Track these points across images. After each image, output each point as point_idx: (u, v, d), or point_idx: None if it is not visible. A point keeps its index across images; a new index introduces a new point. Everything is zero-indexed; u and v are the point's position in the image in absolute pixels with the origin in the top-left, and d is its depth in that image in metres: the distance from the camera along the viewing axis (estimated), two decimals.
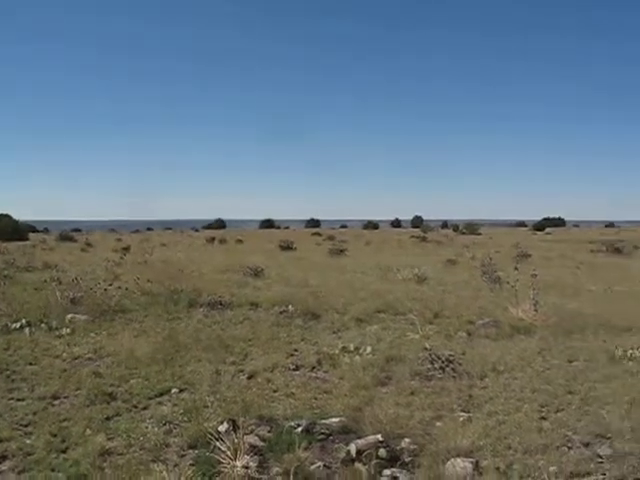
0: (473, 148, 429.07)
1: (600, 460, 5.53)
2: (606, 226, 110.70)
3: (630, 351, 9.01)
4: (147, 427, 6.51)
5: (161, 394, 7.70)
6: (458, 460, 5.25)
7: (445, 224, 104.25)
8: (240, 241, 49.66)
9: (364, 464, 5.27)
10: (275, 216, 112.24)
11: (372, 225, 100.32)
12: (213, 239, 50.57)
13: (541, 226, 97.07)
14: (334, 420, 6.37)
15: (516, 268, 14.26)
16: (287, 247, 36.02)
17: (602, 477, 5.24)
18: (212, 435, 5.72)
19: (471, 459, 5.30)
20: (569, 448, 5.81)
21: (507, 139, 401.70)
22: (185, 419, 6.68)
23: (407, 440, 5.81)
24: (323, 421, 6.34)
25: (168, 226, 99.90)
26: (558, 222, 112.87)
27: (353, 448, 5.48)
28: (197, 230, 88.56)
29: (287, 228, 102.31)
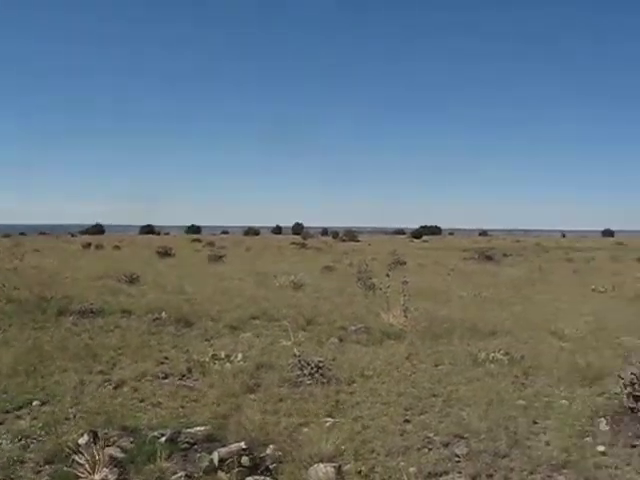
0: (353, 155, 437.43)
1: (457, 459, 5.73)
2: (480, 234, 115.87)
3: (492, 354, 9.41)
4: (1, 443, 6.12)
5: (20, 407, 7.23)
6: (321, 465, 5.26)
7: (325, 231, 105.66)
8: (117, 247, 48.11)
9: (226, 473, 5.19)
10: (157, 222, 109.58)
11: (253, 231, 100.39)
12: (89, 245, 48.76)
13: (418, 234, 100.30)
14: (199, 429, 6.24)
15: (388, 275, 14.62)
16: (165, 253, 35.20)
17: (458, 476, 5.43)
18: (71, 449, 5.46)
19: (334, 464, 5.33)
20: (429, 449, 5.97)
21: (386, 147, 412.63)
22: (44, 433, 6.33)
23: (272, 447, 5.77)
24: (188, 430, 6.19)
25: (43, 231, 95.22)
26: (435, 230, 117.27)
27: (216, 457, 5.38)
28: (74, 235, 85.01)
29: (167, 234, 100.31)
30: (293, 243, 57.52)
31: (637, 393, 6.73)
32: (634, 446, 6.13)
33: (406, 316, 12.09)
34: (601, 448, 6.02)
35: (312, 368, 8.22)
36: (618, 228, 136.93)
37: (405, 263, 30.21)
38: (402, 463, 5.54)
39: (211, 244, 53.20)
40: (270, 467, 5.42)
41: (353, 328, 11.82)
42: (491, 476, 5.39)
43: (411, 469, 5.43)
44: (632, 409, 6.73)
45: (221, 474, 5.22)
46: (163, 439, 5.94)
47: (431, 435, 6.33)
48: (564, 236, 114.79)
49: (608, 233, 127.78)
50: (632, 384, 6.80)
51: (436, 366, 9.22)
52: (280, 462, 5.51)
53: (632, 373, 6.87)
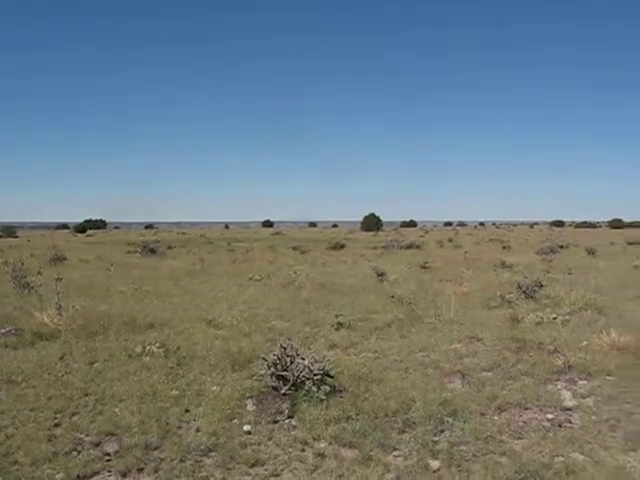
0: None
1: (108, 458, 5.65)
2: (146, 227, 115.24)
3: (148, 347, 9.43)
4: None
5: None
6: None
7: None
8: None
9: None
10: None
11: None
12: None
13: (82, 228, 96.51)
14: None
15: (39, 272, 13.79)
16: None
17: (108, 475, 5.35)
18: None
19: None
20: (79, 451, 5.79)
21: None
22: None
23: None
24: None
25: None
26: (100, 224, 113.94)
27: None
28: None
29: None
30: None
31: (279, 373, 7.33)
32: (276, 422, 6.67)
33: (61, 314, 11.53)
34: (247, 427, 6.43)
35: None
36: (277, 219, 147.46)
37: (66, 259, 28.84)
38: (48, 471, 5.29)
39: None
40: None
41: (3, 331, 10.93)
42: (142, 470, 5.43)
43: (58, 475, 5.22)
44: (275, 388, 7.31)
45: None
46: None
47: (82, 436, 6.15)
48: (227, 227, 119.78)
49: (268, 224, 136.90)
50: (275, 365, 7.38)
51: (91, 364, 8.95)
52: None
53: (274, 354, 7.46)
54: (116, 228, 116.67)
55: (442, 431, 6.34)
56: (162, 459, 5.62)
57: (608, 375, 8.29)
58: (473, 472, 5.37)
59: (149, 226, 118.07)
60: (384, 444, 5.99)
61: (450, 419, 6.62)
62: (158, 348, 9.39)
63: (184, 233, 79.70)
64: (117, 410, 6.82)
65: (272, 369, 7.39)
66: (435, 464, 5.58)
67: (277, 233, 79.48)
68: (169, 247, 41.79)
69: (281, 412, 6.88)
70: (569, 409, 7.06)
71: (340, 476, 5.34)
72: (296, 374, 7.25)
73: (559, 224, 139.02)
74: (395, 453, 5.86)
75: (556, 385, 7.99)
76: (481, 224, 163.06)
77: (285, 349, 7.52)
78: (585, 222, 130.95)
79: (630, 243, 46.23)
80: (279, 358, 7.40)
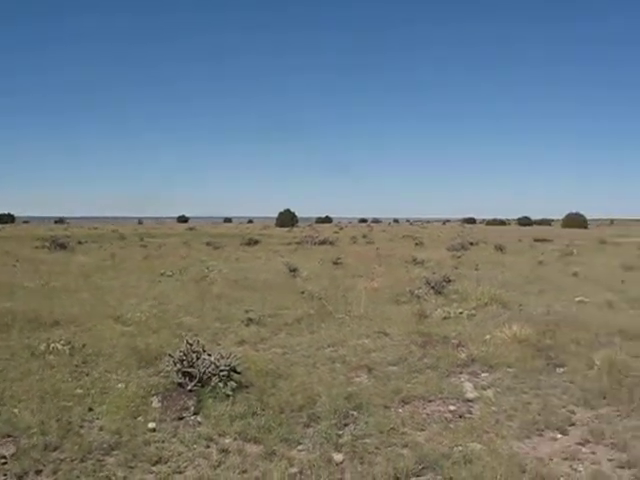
0: None
1: (4, 461, 5.45)
2: (56, 222, 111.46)
3: (52, 345, 9.15)
4: None
5: None
6: None
7: None
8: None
9: None
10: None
11: None
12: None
13: None
14: None
15: None
16: None
17: (3, 478, 5.18)
18: None
19: None
20: None
21: None
22: None
23: None
24: None
25: None
26: (7, 218, 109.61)
27: None
28: None
29: None
30: None
31: (185, 369, 7.27)
32: (181, 418, 6.62)
33: None
34: (152, 425, 6.35)
35: None
36: (191, 215, 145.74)
37: None
38: None
39: None
40: None
41: None
42: (40, 471, 5.28)
43: None
44: (181, 384, 7.25)
45: None
46: None
47: None
48: (141, 223, 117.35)
49: (183, 219, 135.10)
50: (181, 361, 7.32)
51: None
52: None
53: (181, 351, 7.40)
54: (25, 222, 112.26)
55: (346, 425, 6.45)
56: (62, 460, 5.47)
57: (508, 367, 8.64)
58: (375, 464, 5.49)
59: (59, 221, 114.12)
60: (288, 439, 6.04)
61: (355, 413, 6.75)
62: (63, 346, 9.13)
63: (96, 228, 77.43)
64: (16, 411, 6.59)
65: (178, 365, 7.33)
66: (338, 457, 5.67)
67: (191, 229, 78.36)
68: (79, 242, 40.58)
69: (187, 409, 6.84)
70: (470, 401, 7.32)
71: (243, 471, 5.36)
72: (202, 370, 7.22)
73: (471, 221, 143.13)
74: (299, 447, 5.92)
75: (459, 378, 8.26)
76: (395, 221, 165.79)
77: (191, 345, 7.49)
78: (495, 219, 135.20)
79: (536, 240, 48.15)
80: (185, 354, 7.36)
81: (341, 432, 6.25)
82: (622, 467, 5.53)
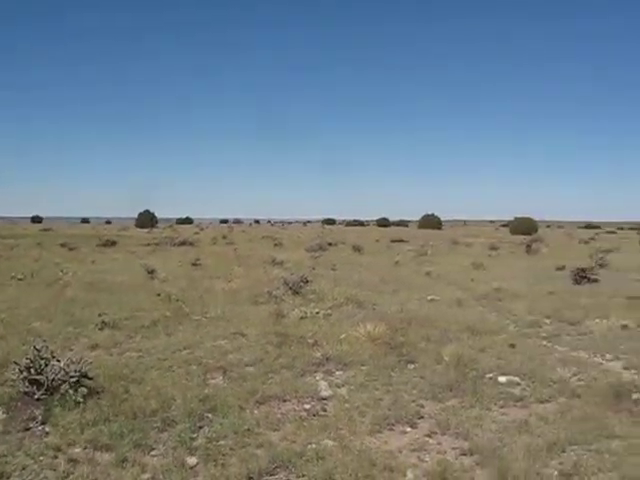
0: None
1: None
2: None
3: None
4: None
5: None
6: None
7: None
8: None
9: None
10: None
11: None
12: None
13: None
14: None
15: None
16: None
17: None
18: None
19: None
20: None
21: None
22: None
23: None
24: None
25: None
26: None
27: None
28: None
29: None
30: None
31: (32, 377, 6.88)
32: (28, 429, 6.25)
33: None
34: None
35: None
36: (46, 215, 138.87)
37: None
38: None
39: None
40: None
41: None
42: None
43: None
44: (27, 393, 6.84)
45: None
46: None
47: None
48: None
49: (37, 219, 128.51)
50: (28, 369, 6.91)
51: None
52: None
53: (27, 358, 6.99)
54: None
55: (201, 427, 6.36)
56: None
57: (362, 365, 8.86)
58: (229, 466, 5.44)
59: None
60: (142, 444, 5.86)
61: (210, 415, 6.66)
62: None
63: None
64: None
65: (25, 373, 6.91)
66: (192, 461, 5.57)
67: (46, 229, 74.58)
68: None
69: (34, 418, 6.47)
70: (325, 399, 7.43)
71: None
72: (51, 377, 6.86)
73: (331, 222, 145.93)
74: (153, 453, 5.77)
75: (314, 376, 8.37)
76: (257, 222, 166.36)
77: (39, 351, 7.09)
78: (355, 221, 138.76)
79: (393, 241, 49.95)
80: (32, 361, 6.96)
81: (195, 435, 6.15)
82: (465, 454, 5.82)
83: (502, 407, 7.23)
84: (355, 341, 9.96)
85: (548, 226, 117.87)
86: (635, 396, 7.11)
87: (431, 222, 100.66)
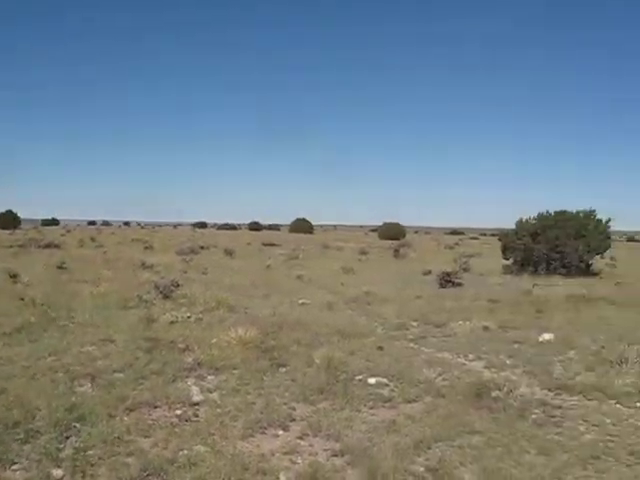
0: None
1: None
2: None
3: None
4: None
5: None
6: None
7: None
8: None
9: None
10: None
11: None
12: None
13: None
14: None
15: None
16: None
17: None
18: None
19: None
20: None
21: None
22: None
23: None
24: None
25: None
26: None
27: None
28: None
29: None
30: None
31: None
32: None
33: None
34: None
35: None
36: None
37: None
38: None
39: None
40: None
41: None
42: None
43: None
44: None
45: None
46: None
47: None
48: None
49: None
50: None
51: None
52: None
53: None
54: None
55: (68, 438, 6.11)
56: None
57: (234, 369, 8.85)
58: (98, 476, 5.29)
59: None
60: (2, 458, 5.56)
61: (77, 424, 6.42)
62: None
63: None
64: None
65: None
66: (58, 473, 5.35)
67: None
68: None
69: None
70: (197, 404, 7.35)
71: None
72: None
73: (202, 225, 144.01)
74: (14, 467, 5.47)
75: (186, 382, 8.27)
76: (126, 224, 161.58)
77: None
78: (227, 224, 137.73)
79: (265, 244, 50.12)
80: None
81: (62, 446, 5.89)
82: (336, 455, 5.96)
83: (371, 408, 7.46)
84: (227, 345, 9.92)
85: (416, 232, 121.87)
86: (494, 394, 7.54)
87: (302, 226, 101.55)
